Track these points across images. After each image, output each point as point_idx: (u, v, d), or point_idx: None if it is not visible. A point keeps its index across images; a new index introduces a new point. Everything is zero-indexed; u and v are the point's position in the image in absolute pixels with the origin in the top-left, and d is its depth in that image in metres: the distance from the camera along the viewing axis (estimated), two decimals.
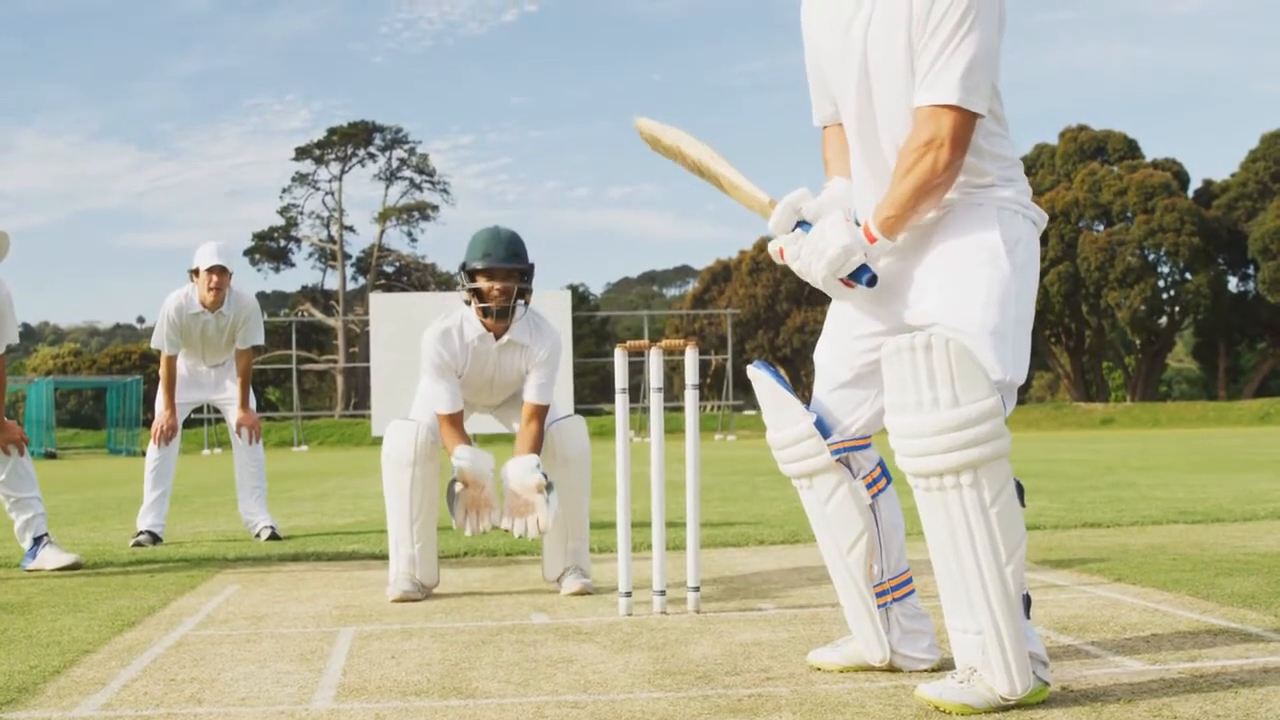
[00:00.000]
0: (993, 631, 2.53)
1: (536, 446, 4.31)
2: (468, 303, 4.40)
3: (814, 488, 2.92)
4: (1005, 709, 2.53)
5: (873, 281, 2.66)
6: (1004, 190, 2.73)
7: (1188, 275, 47.04)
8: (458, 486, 4.12)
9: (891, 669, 2.94)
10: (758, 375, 2.98)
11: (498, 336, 4.42)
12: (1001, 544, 2.52)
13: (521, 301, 4.44)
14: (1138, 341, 50.24)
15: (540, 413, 4.38)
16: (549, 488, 4.10)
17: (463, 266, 4.39)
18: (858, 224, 2.70)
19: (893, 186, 2.63)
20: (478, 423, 4.89)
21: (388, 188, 56.74)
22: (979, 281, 2.62)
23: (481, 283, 4.34)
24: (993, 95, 2.69)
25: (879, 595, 2.94)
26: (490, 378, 4.47)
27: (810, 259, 2.68)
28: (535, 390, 4.40)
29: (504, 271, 4.34)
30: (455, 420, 4.33)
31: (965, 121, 2.58)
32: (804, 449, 2.90)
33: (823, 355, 2.97)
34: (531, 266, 4.42)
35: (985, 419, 2.50)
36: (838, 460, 2.90)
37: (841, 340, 2.91)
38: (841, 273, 2.66)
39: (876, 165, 2.77)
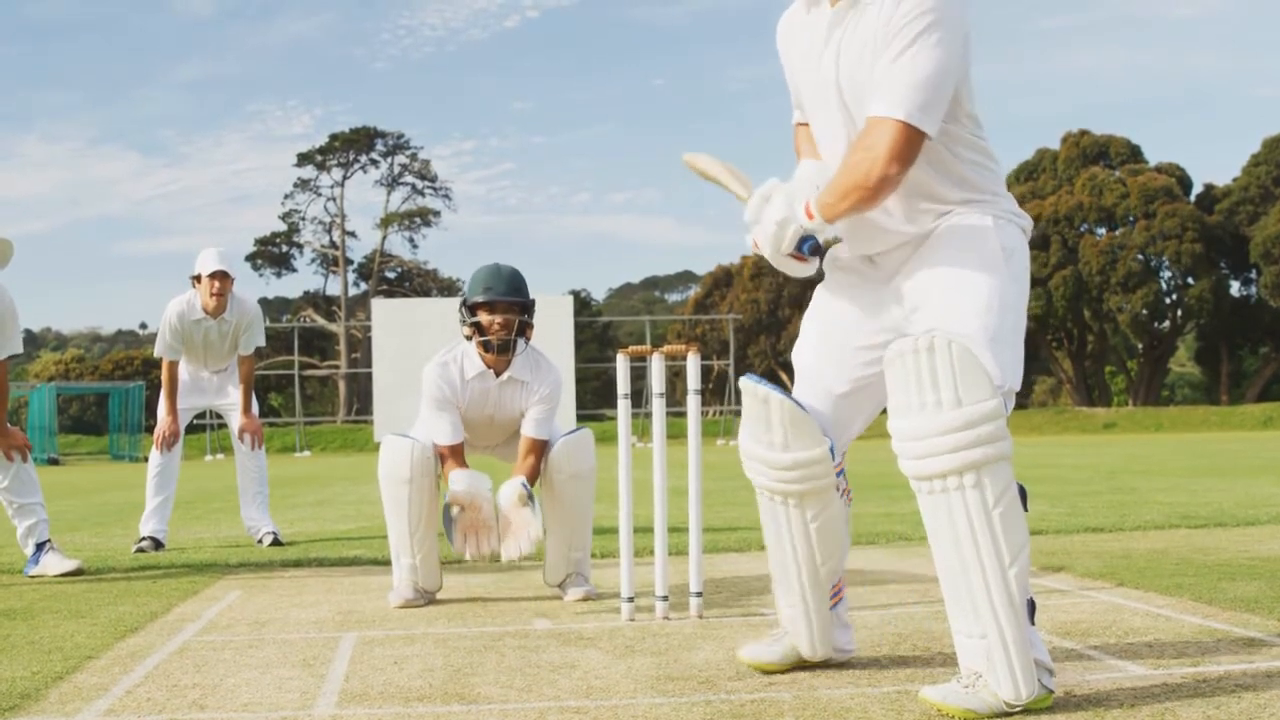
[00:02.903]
0: (997, 636, 2.53)
1: (531, 477, 4.31)
2: (468, 338, 4.40)
3: (803, 506, 2.89)
4: (1009, 715, 2.53)
5: (816, 250, 2.71)
6: (996, 200, 2.77)
7: (1190, 280, 47.00)
8: (454, 510, 4.13)
9: (825, 663, 3.04)
10: (771, 398, 2.85)
11: (498, 373, 4.42)
12: (1005, 546, 2.53)
13: (522, 338, 4.44)
14: (1140, 346, 50.19)
15: (538, 447, 4.36)
16: (531, 498, 4.13)
17: (463, 303, 4.40)
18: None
19: (835, 175, 2.68)
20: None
21: (389, 193, 56.78)
22: (978, 290, 2.64)
23: (482, 316, 4.35)
24: (970, 99, 2.71)
25: (833, 596, 3.01)
26: (490, 416, 4.46)
27: (761, 241, 2.77)
28: (534, 425, 4.39)
29: (505, 305, 4.35)
30: (456, 451, 4.33)
31: (907, 136, 2.56)
32: (816, 471, 2.84)
33: (810, 361, 2.93)
34: (532, 302, 4.44)
35: (987, 420, 2.52)
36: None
37: (841, 350, 2.89)
38: (785, 247, 2.71)
39: None
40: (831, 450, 2.86)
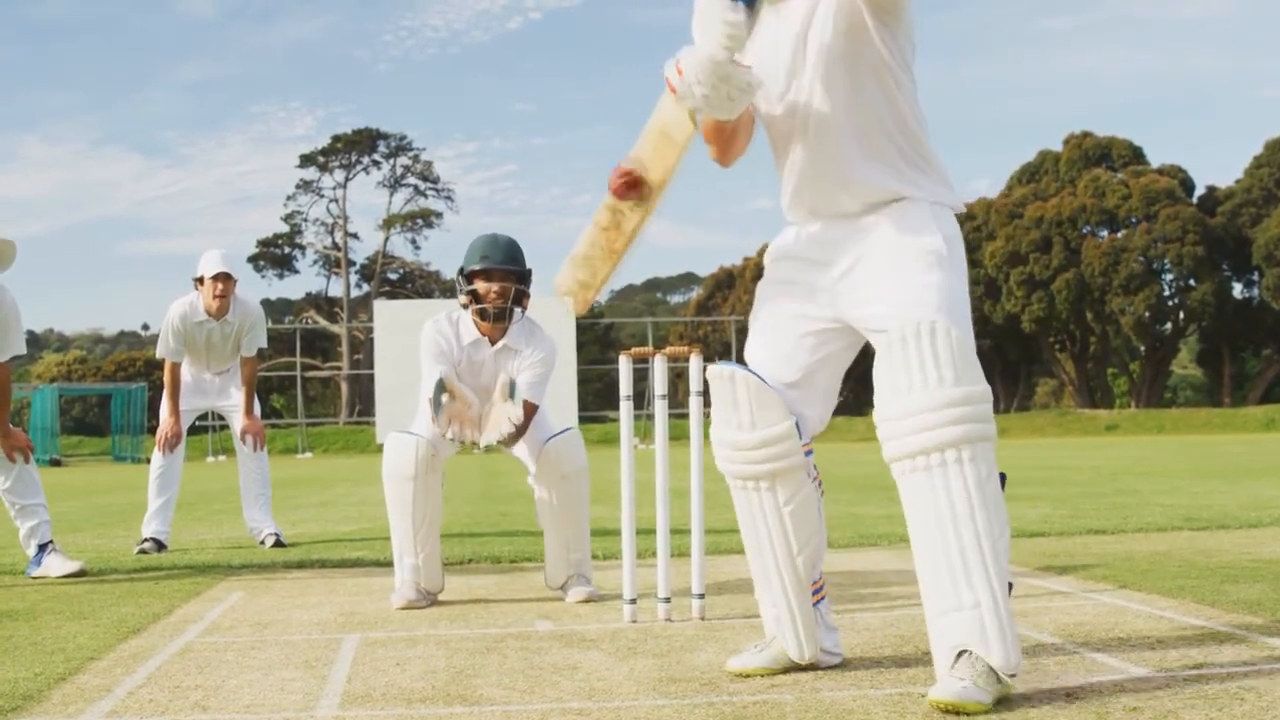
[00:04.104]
0: (990, 604, 2.61)
1: (518, 437, 4.32)
2: (465, 306, 4.42)
3: (775, 489, 2.95)
4: (1012, 710, 2.53)
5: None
6: (934, 186, 2.88)
7: (1192, 282, 46.94)
8: (445, 398, 4.13)
9: (811, 666, 3.03)
10: (737, 374, 2.94)
11: (493, 342, 4.42)
12: (993, 518, 2.65)
13: (519, 308, 4.45)
14: (1142, 348, 50.14)
15: (529, 409, 4.34)
16: (513, 393, 4.17)
17: (460, 271, 4.41)
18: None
19: None
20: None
21: (391, 195, 56.76)
22: (930, 287, 2.75)
23: (479, 284, 4.37)
24: (913, 50, 2.85)
25: (815, 593, 3.03)
26: (485, 387, 4.46)
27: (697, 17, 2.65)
28: (526, 388, 4.37)
29: (501, 273, 4.37)
30: None
31: None
32: (783, 449, 2.91)
33: (762, 357, 2.99)
34: (529, 272, 4.44)
35: (982, 400, 2.68)
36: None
37: (787, 339, 2.95)
38: None
39: (820, 159, 2.86)
40: (798, 428, 2.91)
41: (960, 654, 2.61)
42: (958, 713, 2.53)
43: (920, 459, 2.67)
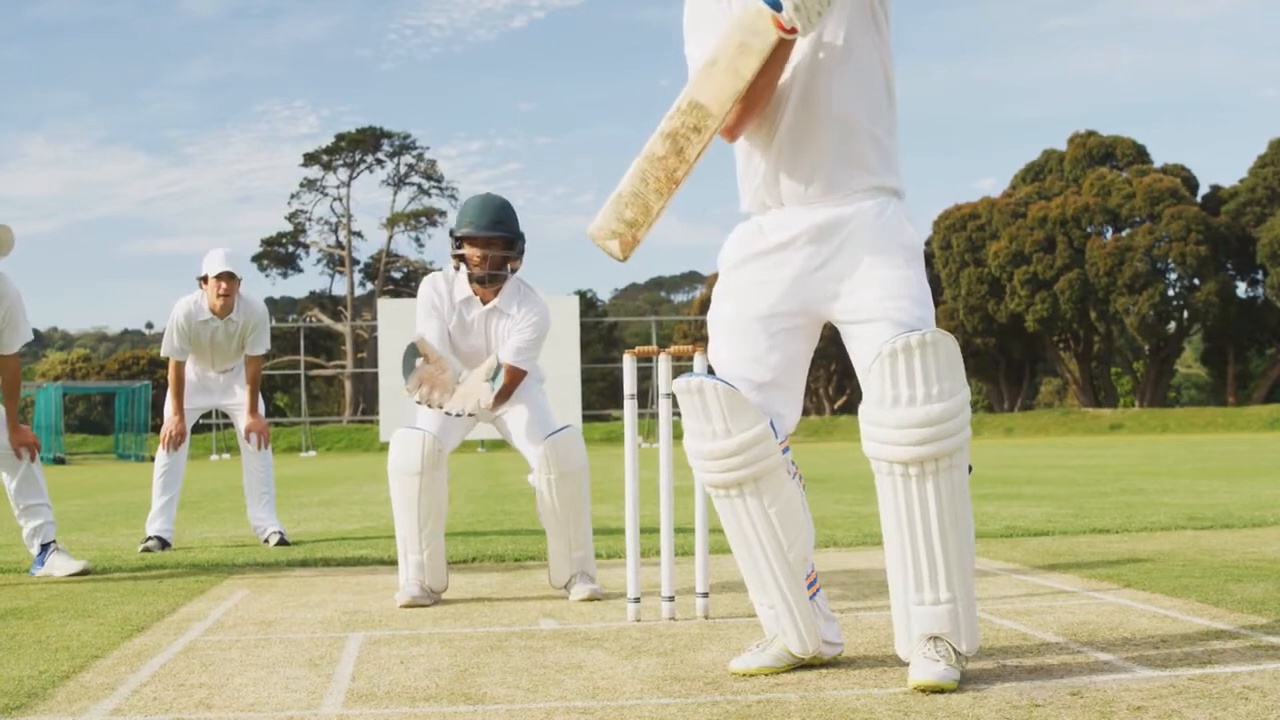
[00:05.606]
0: (962, 599, 2.80)
1: (501, 399, 4.31)
2: (456, 268, 4.44)
3: (759, 492, 2.95)
4: (1017, 709, 2.53)
5: None
6: (902, 189, 2.97)
7: (1196, 281, 46.88)
8: (418, 361, 4.12)
9: (814, 659, 3.05)
10: (705, 384, 2.92)
11: (485, 302, 4.45)
12: (963, 520, 2.81)
13: (511, 271, 4.45)
14: (1146, 347, 50.08)
15: (515, 375, 4.35)
16: (494, 377, 4.13)
17: (452, 233, 4.43)
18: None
19: None
20: (483, 430, 4.87)
21: (395, 194, 56.83)
22: (909, 282, 2.86)
23: (467, 249, 4.38)
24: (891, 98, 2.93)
25: (809, 585, 3.05)
26: (475, 348, 4.47)
27: None
28: (513, 352, 4.38)
29: (487, 239, 4.37)
30: None
31: None
32: (761, 450, 2.92)
33: (729, 360, 2.99)
34: (520, 236, 4.44)
35: (962, 409, 2.82)
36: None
37: (756, 340, 2.96)
38: None
39: (809, 123, 2.88)
40: (773, 428, 2.94)
41: (930, 638, 2.79)
42: (939, 691, 2.70)
43: (906, 467, 2.79)
